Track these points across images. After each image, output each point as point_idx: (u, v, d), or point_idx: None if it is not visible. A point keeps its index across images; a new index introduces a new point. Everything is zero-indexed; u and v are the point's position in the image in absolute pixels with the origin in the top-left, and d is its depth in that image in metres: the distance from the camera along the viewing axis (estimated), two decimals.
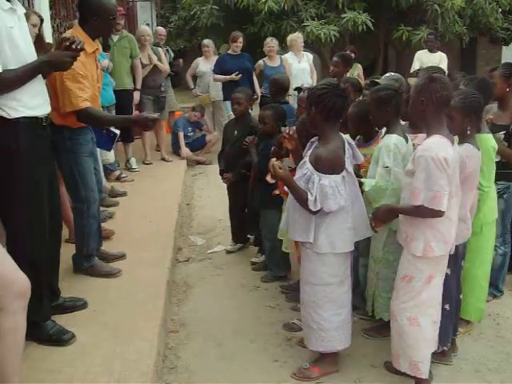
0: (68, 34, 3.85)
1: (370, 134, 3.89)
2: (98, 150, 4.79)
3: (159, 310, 3.79)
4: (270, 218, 4.48)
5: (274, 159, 3.48)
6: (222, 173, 5.24)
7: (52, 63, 3.15)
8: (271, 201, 4.30)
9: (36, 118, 3.13)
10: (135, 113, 8.09)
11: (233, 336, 3.87)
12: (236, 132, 5.14)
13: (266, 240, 4.71)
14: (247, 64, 8.70)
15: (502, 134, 4.04)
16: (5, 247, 2.65)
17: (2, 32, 2.88)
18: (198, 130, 9.54)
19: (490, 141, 3.64)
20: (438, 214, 2.91)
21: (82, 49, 3.24)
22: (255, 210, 4.77)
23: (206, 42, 9.66)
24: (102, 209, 5.02)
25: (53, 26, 6.54)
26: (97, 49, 4.05)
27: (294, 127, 3.73)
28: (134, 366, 3.11)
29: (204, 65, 9.36)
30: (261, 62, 8.91)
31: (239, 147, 4.91)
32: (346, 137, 3.39)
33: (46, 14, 5.91)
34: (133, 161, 7.89)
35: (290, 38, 9.16)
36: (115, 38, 7.30)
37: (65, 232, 4.70)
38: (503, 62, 4.54)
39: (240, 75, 8.44)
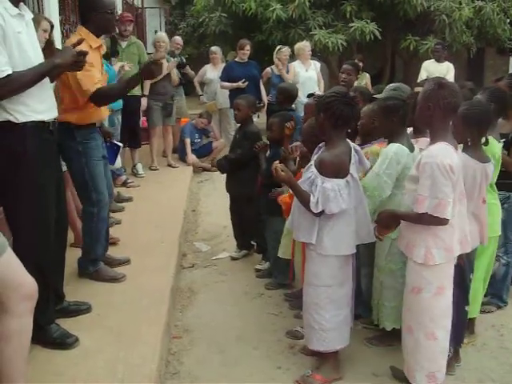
0: (71, 40, 3.91)
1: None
2: None
3: (163, 315, 3.80)
4: (275, 225, 4.49)
5: (277, 162, 3.55)
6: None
7: (64, 65, 3.20)
8: (276, 208, 4.31)
9: (43, 123, 3.16)
10: (142, 119, 8.15)
11: (236, 343, 3.88)
12: (237, 136, 5.23)
13: (270, 247, 4.72)
14: (254, 72, 8.74)
15: (501, 142, 4.04)
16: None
17: (10, 37, 2.91)
18: (205, 137, 9.56)
19: (494, 147, 3.65)
20: (443, 222, 2.91)
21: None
22: (259, 217, 4.78)
23: (213, 49, 9.71)
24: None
25: (62, 32, 6.58)
26: (101, 45, 4.14)
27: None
28: (136, 370, 3.12)
29: (211, 72, 9.40)
30: (269, 69, 8.96)
31: (241, 154, 5.02)
32: (353, 144, 3.43)
33: (55, 19, 5.95)
34: (139, 166, 7.92)
35: (297, 46, 9.20)
36: (124, 43, 7.35)
37: (70, 236, 4.74)
38: (510, 72, 4.54)
39: (247, 83, 8.48)
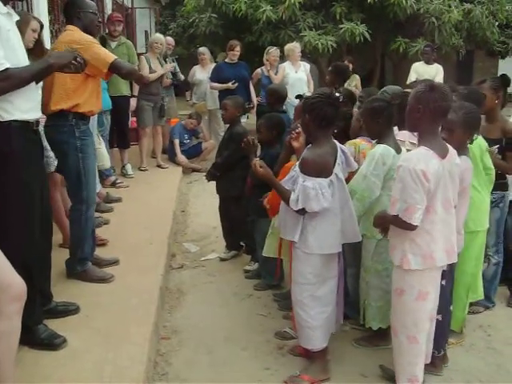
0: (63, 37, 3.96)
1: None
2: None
3: (151, 316, 3.79)
4: (264, 227, 4.49)
5: (257, 158, 3.59)
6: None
7: (55, 65, 3.21)
8: (265, 209, 4.31)
9: (27, 122, 3.16)
10: (131, 119, 8.13)
11: (225, 343, 3.87)
12: (225, 138, 5.26)
13: (259, 248, 4.72)
14: (244, 73, 8.75)
15: (495, 148, 4.07)
16: None
17: (2, 34, 2.92)
18: (195, 138, 9.56)
19: (480, 143, 3.70)
20: (410, 227, 2.89)
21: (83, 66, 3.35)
22: (248, 218, 4.78)
23: (201, 49, 9.70)
24: (96, 214, 5.03)
25: (51, 31, 6.56)
26: None
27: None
28: (124, 371, 3.11)
29: (200, 73, 9.40)
30: (259, 70, 8.97)
31: (228, 155, 5.06)
32: (340, 145, 3.44)
33: (44, 19, 5.94)
34: (128, 167, 7.90)
35: (287, 47, 9.21)
36: (113, 44, 7.33)
37: (59, 237, 4.72)
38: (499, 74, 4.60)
39: (236, 84, 8.49)
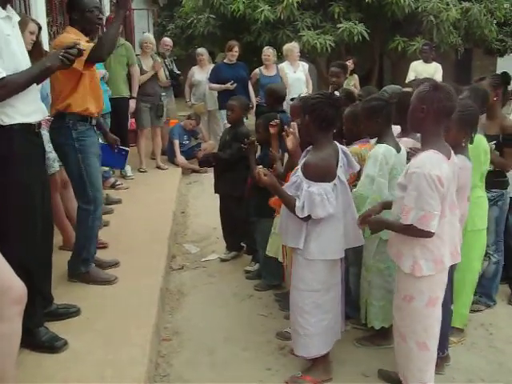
0: (63, 37, 3.91)
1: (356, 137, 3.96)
2: None
3: (152, 317, 3.79)
4: (265, 227, 4.49)
5: (260, 166, 3.51)
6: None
7: (51, 58, 3.16)
8: (266, 209, 4.31)
9: (29, 125, 3.15)
10: (131, 121, 8.12)
11: (225, 344, 3.87)
12: (227, 137, 5.21)
13: (260, 249, 4.72)
14: (242, 73, 8.76)
15: (493, 144, 4.07)
16: None
17: (0, 40, 2.91)
18: (194, 139, 9.56)
19: (482, 142, 3.69)
20: (428, 234, 2.82)
21: (80, 53, 3.24)
22: (249, 219, 4.78)
23: (199, 50, 9.70)
24: None
25: (49, 33, 6.55)
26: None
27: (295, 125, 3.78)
28: (126, 373, 3.11)
29: (199, 74, 9.39)
30: (257, 70, 8.95)
31: (231, 154, 5.03)
32: (342, 146, 3.42)
33: (42, 21, 5.92)
34: (128, 168, 7.88)
35: (286, 47, 9.20)
36: None
37: (59, 239, 4.72)
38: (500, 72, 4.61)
39: (235, 84, 8.49)
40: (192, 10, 12.95)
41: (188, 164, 9.07)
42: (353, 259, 3.87)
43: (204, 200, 7.35)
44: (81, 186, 4.13)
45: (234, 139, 5.01)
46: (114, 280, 4.28)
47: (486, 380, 3.48)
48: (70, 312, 3.73)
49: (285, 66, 8.99)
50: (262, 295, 4.64)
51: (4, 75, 2.87)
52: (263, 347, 3.82)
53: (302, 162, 3.29)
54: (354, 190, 3.52)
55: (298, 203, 3.12)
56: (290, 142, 3.69)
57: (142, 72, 7.94)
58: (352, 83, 9.28)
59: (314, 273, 3.27)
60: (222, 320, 4.22)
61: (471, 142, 3.42)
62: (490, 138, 3.99)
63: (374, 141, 3.79)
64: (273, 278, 4.67)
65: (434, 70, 9.05)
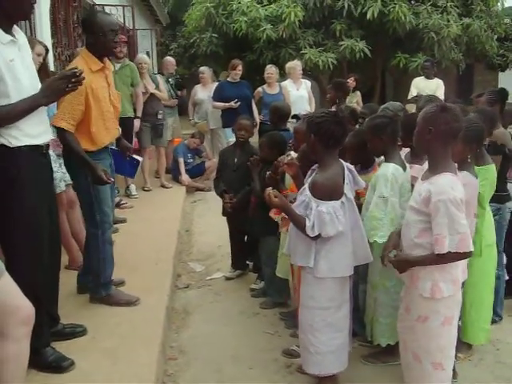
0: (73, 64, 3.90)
1: (367, 162, 3.93)
2: None
3: (158, 336, 3.79)
4: (270, 245, 4.50)
5: (270, 188, 3.47)
6: (223, 194, 5.14)
7: (47, 93, 3.10)
8: (271, 227, 4.32)
9: (37, 146, 3.16)
10: (134, 140, 8.16)
11: (232, 363, 3.86)
12: (236, 159, 5.16)
13: (265, 266, 4.73)
14: (246, 91, 8.81)
15: None
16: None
17: (2, 68, 2.91)
18: (198, 157, 9.60)
19: (494, 172, 3.70)
20: (468, 255, 2.80)
21: (80, 77, 3.14)
22: (254, 237, 4.79)
23: (202, 69, 9.76)
24: None
25: (54, 55, 6.62)
26: (103, 67, 4.02)
27: (293, 154, 3.79)
28: None
29: (202, 92, 9.44)
30: (260, 89, 9.00)
31: (242, 174, 4.95)
32: (347, 163, 3.43)
33: (48, 42, 5.99)
34: (132, 187, 7.93)
35: (288, 65, 9.26)
36: (117, 66, 7.38)
37: (65, 258, 4.73)
38: (498, 87, 4.65)
39: (239, 103, 8.54)
40: (195, 29, 13.10)
41: (192, 182, 9.11)
42: (363, 275, 3.85)
43: (208, 218, 7.36)
44: (89, 210, 4.09)
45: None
46: (135, 301, 4.24)
47: None
48: (76, 332, 3.72)
49: (287, 83, 9.05)
50: (268, 313, 4.63)
51: None
52: (270, 365, 3.81)
53: (308, 181, 3.29)
54: (366, 212, 3.50)
55: (308, 223, 3.13)
56: (289, 169, 3.72)
57: (145, 93, 8.00)
58: (355, 100, 9.34)
59: (324, 290, 3.27)
60: (227, 338, 4.21)
61: (479, 161, 3.41)
62: None
63: (379, 160, 3.80)
64: (278, 295, 4.67)
65: (435, 86, 9.09)
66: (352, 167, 3.46)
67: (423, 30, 11.81)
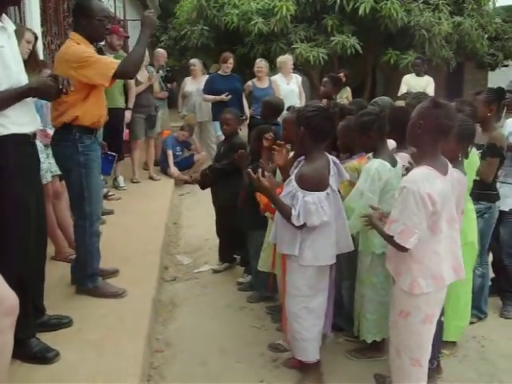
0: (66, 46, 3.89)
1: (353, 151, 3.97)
2: None
3: (144, 328, 3.77)
4: (258, 239, 4.49)
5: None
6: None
7: (39, 91, 3.12)
8: (259, 221, 4.31)
9: (24, 135, 3.14)
10: (125, 132, 8.13)
11: (218, 356, 3.86)
12: (222, 149, 5.24)
13: (253, 260, 4.72)
14: (237, 85, 8.79)
15: (478, 153, 4.10)
16: None
17: None
18: (186, 150, 9.58)
19: (474, 157, 3.72)
20: (403, 249, 2.81)
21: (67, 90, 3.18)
22: (243, 230, 4.78)
23: (192, 61, 9.75)
24: None
25: (44, 43, 6.56)
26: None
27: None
28: None
29: (191, 85, 9.42)
30: (250, 82, 8.99)
31: (225, 164, 5.04)
32: (332, 156, 3.45)
33: (37, 30, 5.94)
34: (120, 179, 7.90)
35: (279, 59, 9.26)
36: (110, 56, 7.31)
37: (51, 250, 4.70)
38: (489, 86, 4.66)
39: (230, 96, 8.52)
40: (186, 21, 13.02)
41: (181, 175, 9.08)
42: (347, 273, 3.88)
43: (196, 211, 7.35)
44: (78, 202, 4.06)
45: (229, 150, 5.02)
46: (122, 293, 4.23)
47: None
48: (61, 323, 3.70)
49: (278, 77, 9.05)
50: (254, 307, 4.64)
51: None
52: (256, 359, 3.81)
53: (295, 172, 3.33)
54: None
55: (294, 212, 3.18)
56: (279, 157, 3.74)
57: (137, 83, 7.95)
58: (344, 96, 9.32)
59: (306, 278, 3.33)
60: (214, 331, 4.21)
61: (467, 157, 3.44)
62: (477, 147, 4.03)
63: (370, 154, 3.80)
64: (265, 289, 4.66)
65: (425, 84, 9.10)
66: (337, 160, 3.49)
67: (415, 27, 11.82)
